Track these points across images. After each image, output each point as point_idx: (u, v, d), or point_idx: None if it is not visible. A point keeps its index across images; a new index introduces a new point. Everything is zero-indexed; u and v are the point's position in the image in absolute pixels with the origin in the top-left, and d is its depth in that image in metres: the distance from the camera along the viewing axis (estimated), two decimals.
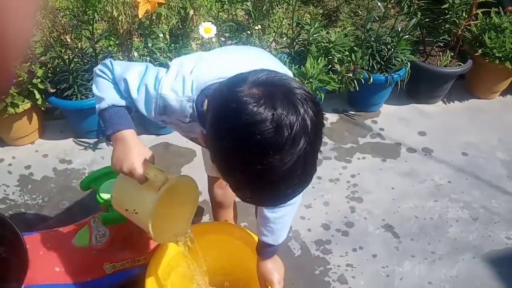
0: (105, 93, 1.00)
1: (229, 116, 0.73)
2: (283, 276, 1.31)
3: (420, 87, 2.60)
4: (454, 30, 2.51)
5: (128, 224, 1.43)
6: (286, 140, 0.69)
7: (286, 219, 1.21)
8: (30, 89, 2.04)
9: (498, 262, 1.81)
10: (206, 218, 1.93)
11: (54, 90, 2.09)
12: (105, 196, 1.40)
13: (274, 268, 1.28)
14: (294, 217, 1.26)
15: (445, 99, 2.73)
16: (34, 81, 2.02)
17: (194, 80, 0.95)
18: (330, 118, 2.53)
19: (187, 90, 0.95)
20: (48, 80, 2.08)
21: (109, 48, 2.67)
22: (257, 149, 0.70)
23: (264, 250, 1.27)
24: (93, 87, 1.04)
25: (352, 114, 2.57)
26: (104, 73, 1.02)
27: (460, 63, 2.57)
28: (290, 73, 1.13)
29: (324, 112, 0.79)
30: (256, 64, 0.81)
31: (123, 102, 0.99)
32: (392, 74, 2.36)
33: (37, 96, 2.06)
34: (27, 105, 2.06)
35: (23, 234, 1.55)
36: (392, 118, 2.56)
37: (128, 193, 1.05)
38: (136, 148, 0.98)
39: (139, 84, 0.98)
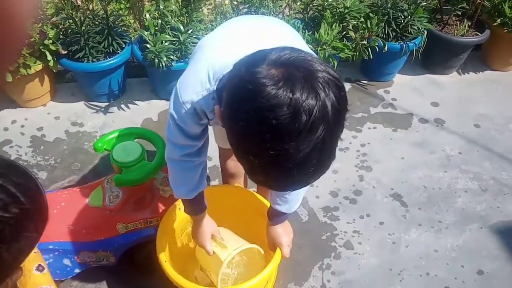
0: (174, 187, 1.17)
1: (245, 98, 0.69)
2: (292, 240, 1.33)
3: (435, 57, 2.55)
4: None
5: (141, 186, 1.47)
6: (303, 127, 0.65)
7: (301, 190, 1.22)
8: (42, 50, 2.03)
9: (505, 233, 1.82)
10: (215, 183, 1.96)
11: (66, 52, 2.08)
12: (119, 158, 1.42)
13: (284, 232, 1.30)
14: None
15: (460, 70, 2.68)
16: (46, 42, 2.01)
17: (209, 68, 0.89)
18: None
19: (205, 81, 0.90)
20: (59, 41, 2.08)
21: (120, 12, 2.64)
22: (272, 135, 0.66)
23: (276, 217, 1.28)
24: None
25: (365, 83, 2.54)
26: (171, 160, 1.10)
27: (477, 33, 2.50)
28: (314, 55, 1.06)
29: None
30: (277, 42, 0.76)
31: (189, 196, 1.16)
32: (407, 42, 2.31)
33: (49, 57, 2.05)
34: (38, 66, 2.07)
35: None
36: (405, 88, 2.53)
37: (205, 259, 1.38)
38: (204, 229, 1.26)
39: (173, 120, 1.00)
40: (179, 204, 1.39)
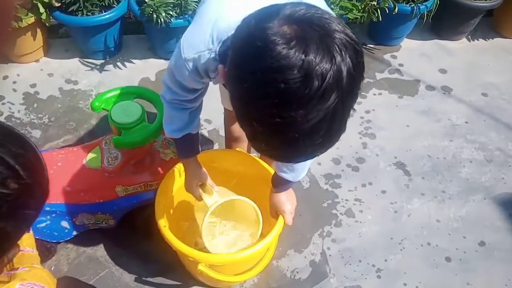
0: (164, 125, 1.13)
1: (253, 56, 0.63)
2: (295, 207, 1.29)
3: (445, 21, 2.44)
4: None
5: (141, 149, 1.41)
6: (314, 93, 0.59)
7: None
8: (34, 2, 1.91)
9: (509, 205, 1.80)
10: (215, 147, 1.90)
11: (59, 4, 1.97)
12: (118, 118, 1.35)
13: (287, 199, 1.26)
14: None
15: (469, 36, 2.58)
16: None
17: (214, 28, 0.82)
18: None
19: (208, 41, 0.83)
20: None
21: None
22: (279, 100, 0.60)
23: (281, 185, 1.24)
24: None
25: (372, 47, 2.45)
26: (163, 99, 1.07)
27: None
28: (332, 13, 0.98)
29: None
30: None
31: (176, 135, 1.10)
32: (418, 4, 2.20)
33: (41, 10, 1.94)
34: (30, 19, 1.95)
35: None
36: (413, 53, 2.44)
37: (196, 211, 1.31)
38: (194, 174, 1.21)
39: (172, 70, 0.96)
40: (179, 168, 1.34)
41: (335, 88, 0.60)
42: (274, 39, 0.60)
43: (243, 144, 1.57)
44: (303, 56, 0.58)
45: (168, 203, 1.37)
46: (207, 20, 0.85)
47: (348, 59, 0.60)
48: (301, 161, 0.74)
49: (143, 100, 1.46)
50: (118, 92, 1.45)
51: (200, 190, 1.22)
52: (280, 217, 1.26)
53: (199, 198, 1.22)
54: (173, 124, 1.09)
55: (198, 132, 1.16)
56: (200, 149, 1.24)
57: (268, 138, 0.67)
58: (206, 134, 1.95)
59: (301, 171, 1.18)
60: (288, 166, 1.16)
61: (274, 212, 1.29)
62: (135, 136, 1.35)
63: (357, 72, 0.62)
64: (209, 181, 1.23)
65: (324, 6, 0.91)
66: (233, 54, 0.68)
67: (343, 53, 0.60)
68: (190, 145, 1.16)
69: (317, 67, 0.58)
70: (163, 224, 1.21)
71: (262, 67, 0.60)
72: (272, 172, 1.29)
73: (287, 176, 1.18)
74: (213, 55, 0.84)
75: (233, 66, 0.68)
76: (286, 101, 0.60)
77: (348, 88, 0.61)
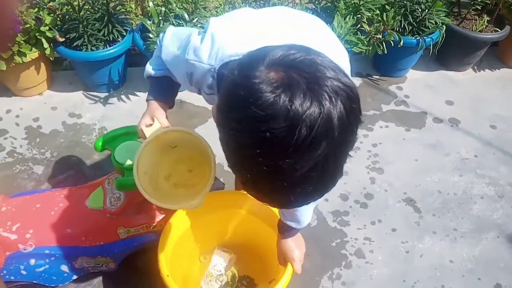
0: (150, 62, 1.04)
1: (237, 105, 0.60)
2: (304, 253, 1.24)
3: (450, 52, 2.43)
4: None
5: None
6: (301, 142, 0.56)
7: (309, 205, 1.11)
8: (38, 37, 1.91)
9: None
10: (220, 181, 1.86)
11: (63, 39, 1.96)
12: (121, 159, 1.31)
13: (296, 245, 1.21)
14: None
15: (475, 67, 2.57)
16: (42, 28, 1.89)
17: (220, 47, 0.81)
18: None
19: (212, 57, 0.82)
20: (56, 28, 1.95)
21: None
22: (265, 149, 0.58)
23: (287, 231, 1.19)
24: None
25: (377, 78, 2.43)
26: (158, 41, 1.01)
27: (496, 29, 2.39)
28: (345, 55, 0.90)
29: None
30: (300, 39, 0.67)
31: (158, 74, 1.01)
32: (424, 37, 2.19)
33: (45, 45, 1.93)
34: (34, 54, 1.94)
35: (34, 192, 1.50)
36: (419, 84, 2.42)
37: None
38: (148, 110, 1.03)
39: (174, 49, 0.93)
40: (180, 214, 1.30)
41: (324, 137, 0.57)
42: (259, 88, 0.57)
43: None
44: (289, 105, 0.55)
45: (171, 249, 1.31)
46: (219, 38, 0.82)
47: (340, 105, 0.57)
48: (296, 207, 0.70)
49: None
50: (121, 131, 1.42)
51: (144, 127, 1.01)
52: (289, 265, 1.20)
53: (143, 135, 1.01)
54: (155, 65, 1.02)
55: (179, 84, 1.04)
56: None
57: (257, 186, 0.65)
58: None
59: (304, 217, 1.13)
60: (291, 215, 1.12)
61: (282, 259, 1.24)
62: None
63: (350, 118, 0.59)
64: (164, 121, 1.01)
65: (333, 44, 0.89)
66: (219, 100, 0.66)
67: (333, 100, 0.57)
68: (166, 88, 1.05)
69: (303, 115, 0.55)
70: (166, 273, 1.16)
71: (246, 115, 0.58)
72: (277, 212, 1.24)
73: (290, 223, 1.14)
74: (212, 70, 0.83)
75: (220, 112, 0.65)
76: (272, 151, 0.58)
77: (340, 135, 0.58)
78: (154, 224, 1.41)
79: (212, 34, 0.83)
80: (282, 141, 0.56)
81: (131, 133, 1.43)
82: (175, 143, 1.03)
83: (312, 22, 0.92)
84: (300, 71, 0.58)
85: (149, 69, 1.03)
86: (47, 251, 1.36)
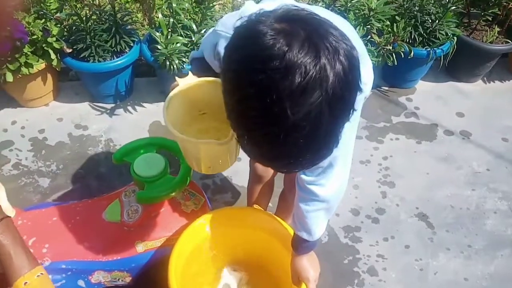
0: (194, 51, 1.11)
1: (240, 45, 0.65)
2: (319, 274, 1.20)
3: (460, 64, 2.40)
4: (505, 3, 2.28)
5: (162, 201, 1.34)
6: (296, 87, 0.58)
7: (320, 214, 1.08)
8: (45, 48, 1.89)
9: None
10: (228, 196, 1.83)
11: (70, 50, 1.94)
12: (141, 172, 1.29)
13: (310, 265, 1.18)
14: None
15: (485, 78, 2.54)
16: (49, 39, 1.86)
17: (243, 15, 0.83)
18: None
19: (235, 24, 0.83)
20: (63, 39, 1.93)
21: (127, 5, 2.49)
22: (260, 90, 0.59)
23: (299, 246, 1.16)
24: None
25: (386, 90, 2.40)
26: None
27: (507, 40, 2.36)
28: (362, 47, 0.95)
29: None
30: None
31: (198, 55, 1.05)
32: (435, 48, 2.16)
33: (52, 56, 1.91)
34: (41, 65, 1.92)
35: (49, 205, 1.46)
36: (429, 96, 2.39)
37: None
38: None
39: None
40: (189, 231, 1.27)
41: (318, 86, 0.59)
42: (261, 31, 0.61)
43: (264, 186, 1.50)
44: (286, 48, 0.58)
45: (180, 268, 1.28)
46: (246, 9, 0.85)
47: (337, 62, 0.59)
48: (291, 169, 0.70)
49: (165, 150, 1.42)
50: (140, 143, 1.40)
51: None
52: (303, 286, 1.17)
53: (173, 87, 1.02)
54: (198, 51, 1.08)
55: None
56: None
57: (251, 136, 0.67)
58: (219, 182, 1.88)
59: (314, 227, 1.08)
60: (302, 223, 1.09)
61: (296, 279, 1.20)
62: (159, 190, 1.30)
63: (348, 76, 0.61)
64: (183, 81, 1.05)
65: (354, 38, 0.90)
66: (227, 45, 0.69)
67: (332, 54, 0.59)
68: (203, 65, 1.06)
69: (299, 61, 0.58)
70: None
71: (246, 54, 0.62)
72: (290, 230, 1.21)
73: (301, 234, 1.10)
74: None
75: (224, 58, 0.68)
76: (266, 92, 0.59)
77: (336, 90, 0.59)
78: (172, 238, 1.38)
79: (242, 8, 0.88)
80: (277, 82, 0.58)
81: (148, 145, 1.41)
82: (204, 108, 1.03)
83: (344, 23, 0.96)
84: (305, 24, 0.61)
85: (192, 54, 1.11)
86: (63, 266, 1.32)
